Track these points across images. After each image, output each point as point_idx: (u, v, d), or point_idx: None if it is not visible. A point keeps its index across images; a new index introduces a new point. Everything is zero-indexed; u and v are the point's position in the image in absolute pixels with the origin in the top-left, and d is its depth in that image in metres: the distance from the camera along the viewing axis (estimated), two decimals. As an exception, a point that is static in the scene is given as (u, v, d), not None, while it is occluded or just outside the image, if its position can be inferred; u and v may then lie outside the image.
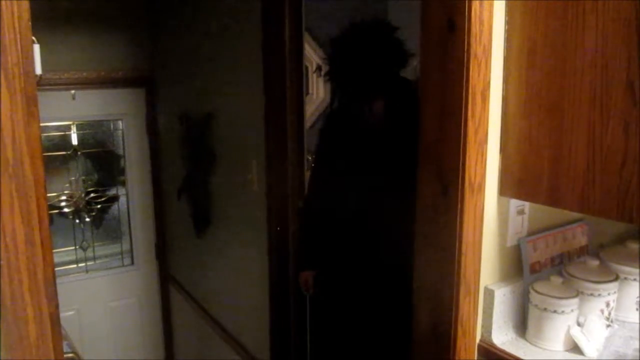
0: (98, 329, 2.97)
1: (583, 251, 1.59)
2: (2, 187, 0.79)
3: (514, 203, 1.41)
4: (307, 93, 3.32)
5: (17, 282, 0.83)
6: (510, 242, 1.44)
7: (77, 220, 3.17)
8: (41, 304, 0.86)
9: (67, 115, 3.06)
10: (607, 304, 1.43)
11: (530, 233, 1.47)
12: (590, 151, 1.16)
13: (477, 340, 1.42)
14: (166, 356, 3.21)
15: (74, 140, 3.16)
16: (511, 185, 1.34)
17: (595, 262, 1.46)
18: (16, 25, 0.83)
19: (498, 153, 1.34)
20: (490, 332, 1.40)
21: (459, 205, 1.28)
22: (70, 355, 1.03)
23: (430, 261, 1.40)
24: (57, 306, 0.95)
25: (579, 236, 1.58)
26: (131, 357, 3.07)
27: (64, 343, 1.21)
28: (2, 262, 0.80)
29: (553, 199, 1.25)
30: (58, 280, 2.67)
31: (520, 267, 1.46)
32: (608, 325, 1.43)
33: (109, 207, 3.28)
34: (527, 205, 1.44)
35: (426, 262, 1.41)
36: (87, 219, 3.20)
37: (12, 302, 0.83)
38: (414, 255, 1.69)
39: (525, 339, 1.43)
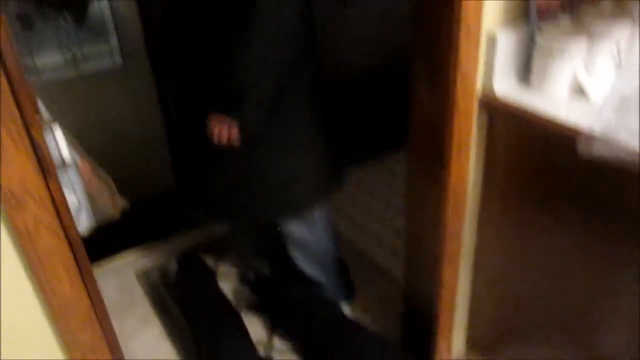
0: (94, 125, 2.94)
1: (597, -5, 1.45)
2: None
3: None
4: None
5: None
6: (517, -21, 1.30)
7: (61, 22, 3.00)
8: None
9: None
10: (618, 47, 1.33)
11: (541, -30, 1.32)
12: None
13: (478, 91, 1.35)
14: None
15: None
16: None
17: (609, 4, 1.33)
18: None
19: None
20: (491, 80, 1.33)
21: None
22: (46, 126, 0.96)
23: (428, 4, 1.28)
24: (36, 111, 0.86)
25: (594, -23, 1.43)
26: (127, 144, 3.06)
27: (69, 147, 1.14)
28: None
29: None
30: (49, 85, 2.53)
31: (527, 10, 1.33)
32: (617, 69, 1.35)
33: (90, 3, 3.07)
34: None
35: (423, 6, 1.29)
36: (70, 19, 3.02)
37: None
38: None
39: (529, 84, 1.35)
